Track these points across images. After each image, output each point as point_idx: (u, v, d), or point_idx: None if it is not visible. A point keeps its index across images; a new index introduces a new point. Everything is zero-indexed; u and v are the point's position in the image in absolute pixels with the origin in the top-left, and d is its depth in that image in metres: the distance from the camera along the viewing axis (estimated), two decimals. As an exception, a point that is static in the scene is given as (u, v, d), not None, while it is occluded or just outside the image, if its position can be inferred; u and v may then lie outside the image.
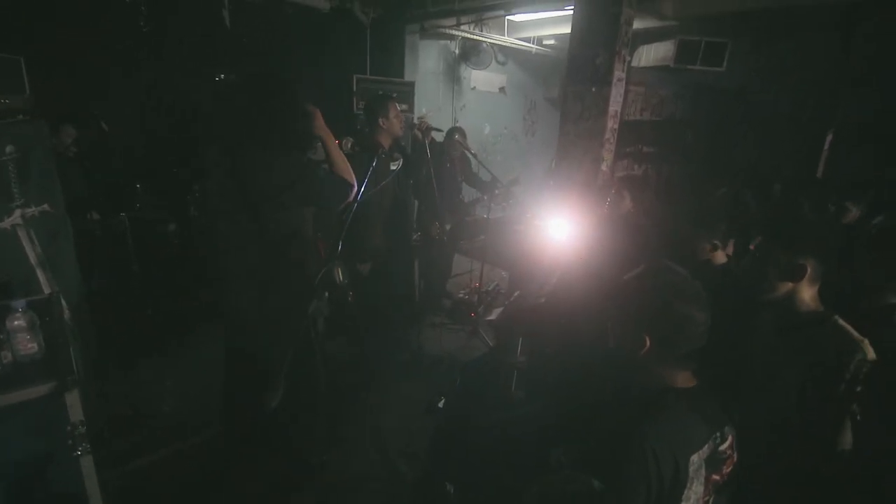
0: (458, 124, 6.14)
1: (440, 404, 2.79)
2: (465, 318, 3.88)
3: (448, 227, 3.86)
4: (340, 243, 1.54)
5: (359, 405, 2.83)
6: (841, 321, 1.38)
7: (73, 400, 1.28)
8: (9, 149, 1.98)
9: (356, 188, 1.71)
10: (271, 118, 1.66)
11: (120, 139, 3.34)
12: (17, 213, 2.01)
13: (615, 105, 4.05)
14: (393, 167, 2.60)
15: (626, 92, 4.30)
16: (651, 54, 5.12)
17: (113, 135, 3.17)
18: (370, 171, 1.62)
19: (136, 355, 3.01)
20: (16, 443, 1.24)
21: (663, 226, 2.89)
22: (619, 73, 3.99)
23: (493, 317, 3.91)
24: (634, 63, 5.08)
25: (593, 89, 4.02)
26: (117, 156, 3.31)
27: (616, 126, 4.14)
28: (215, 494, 2.09)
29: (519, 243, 4.21)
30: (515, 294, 3.99)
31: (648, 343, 1.03)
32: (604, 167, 4.08)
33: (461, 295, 4.28)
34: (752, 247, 1.58)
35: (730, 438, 1.03)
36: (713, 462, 1.00)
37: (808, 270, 1.38)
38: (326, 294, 1.63)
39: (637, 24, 4.26)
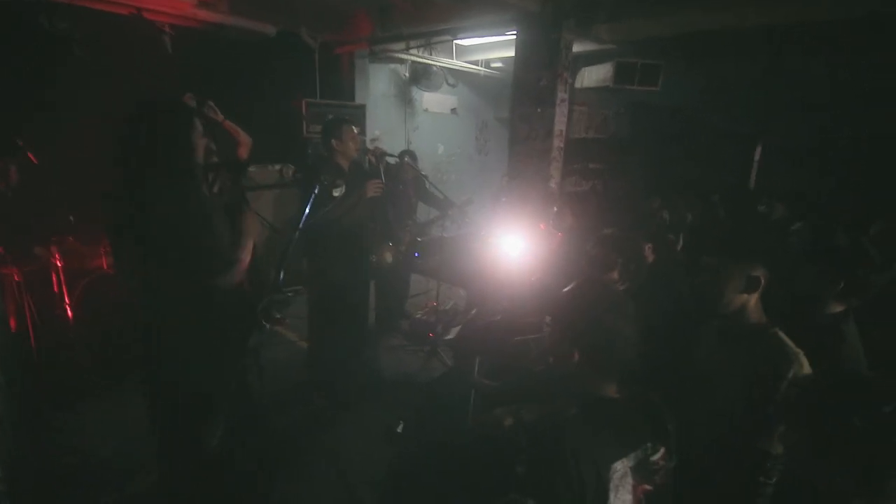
0: (410, 146, 6.21)
1: (399, 429, 2.75)
2: (423, 338, 3.87)
3: (402, 248, 3.86)
4: (282, 273, 1.51)
5: (316, 435, 2.75)
6: (780, 333, 1.46)
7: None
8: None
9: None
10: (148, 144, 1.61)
11: (50, 171, 3.17)
12: (-71, 253, 1.86)
13: (560, 124, 4.22)
14: (336, 193, 2.60)
15: (571, 112, 4.49)
16: (593, 76, 5.37)
17: (42, 167, 3.00)
18: (312, 199, 1.60)
19: (73, 397, 2.81)
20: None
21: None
22: (561, 94, 4.16)
23: (451, 336, 3.91)
24: (578, 84, 5.31)
25: (538, 110, 4.18)
26: (47, 187, 3.13)
27: (562, 144, 4.30)
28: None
29: (474, 261, 4.26)
30: (472, 312, 4.02)
31: (577, 356, 1.06)
32: (552, 184, 4.22)
33: (419, 315, 4.26)
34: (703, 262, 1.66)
35: (662, 450, 1.06)
36: (642, 471, 1.02)
37: (762, 282, 1.46)
38: (267, 326, 1.58)
39: (577, 48, 4.48)
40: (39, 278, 2.82)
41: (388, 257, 3.80)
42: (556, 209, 3.17)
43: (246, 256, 1.71)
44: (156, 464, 2.04)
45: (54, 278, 2.93)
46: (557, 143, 4.18)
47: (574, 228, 3.09)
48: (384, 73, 6.08)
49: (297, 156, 4.78)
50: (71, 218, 3.04)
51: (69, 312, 2.91)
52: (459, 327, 3.94)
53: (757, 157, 5.83)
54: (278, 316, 4.11)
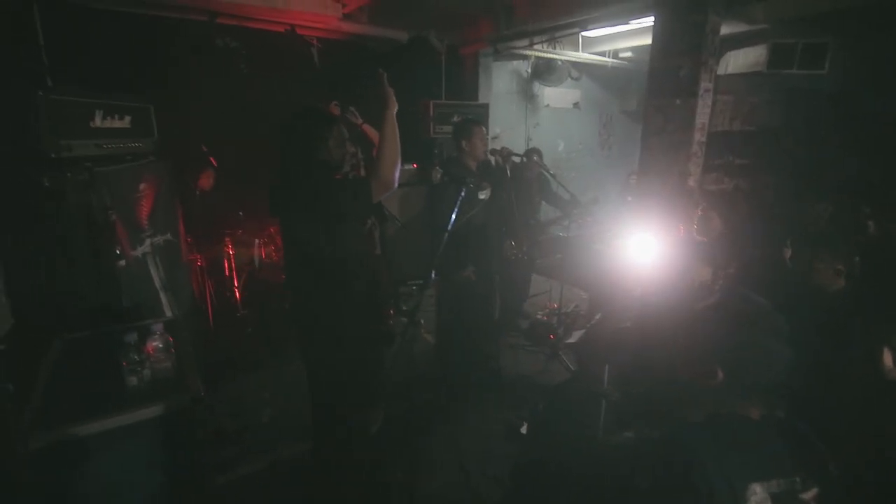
0: (530, 143, 6.13)
1: (522, 429, 2.76)
2: (543, 340, 3.81)
3: (524, 247, 3.84)
4: (433, 273, 1.60)
5: (440, 427, 2.87)
6: None
7: (201, 413, 1.42)
8: (141, 186, 2.25)
9: (390, 188, 1.77)
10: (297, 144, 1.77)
11: (224, 172, 3.70)
12: (147, 241, 2.28)
13: (702, 117, 3.85)
14: (482, 196, 2.65)
15: (714, 101, 4.07)
16: (740, 60, 4.82)
17: (218, 169, 3.52)
18: (459, 202, 1.66)
19: (237, 369, 3.25)
20: (151, 453, 1.40)
21: (763, 248, 2.69)
22: (705, 83, 3.79)
23: (573, 340, 3.81)
24: (721, 70, 4.81)
25: (678, 101, 3.85)
26: (223, 188, 3.66)
27: (703, 139, 3.92)
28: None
29: (599, 262, 4.09)
30: (597, 316, 3.86)
31: (721, 375, 0.98)
32: (691, 182, 3.87)
33: (539, 316, 4.21)
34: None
35: (814, 490, 0.93)
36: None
37: None
38: (402, 319, 1.68)
39: (724, 30, 4.05)
40: (217, 265, 3.30)
41: (509, 256, 3.80)
42: (700, 212, 2.90)
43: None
44: (307, 434, 2.28)
45: (226, 265, 3.42)
46: (698, 136, 3.83)
47: (722, 234, 2.81)
48: (506, 71, 6.08)
49: (424, 156, 4.98)
50: (240, 213, 3.50)
51: (237, 294, 3.37)
52: (583, 331, 3.82)
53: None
54: (405, 308, 4.35)
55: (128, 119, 2.27)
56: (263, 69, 4.36)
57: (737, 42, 4.71)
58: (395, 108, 1.81)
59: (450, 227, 1.62)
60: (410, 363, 3.39)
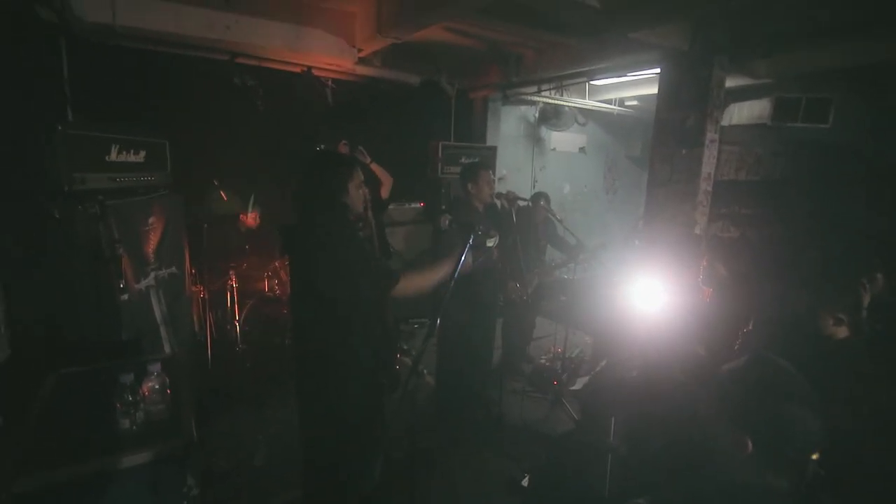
0: (536, 184, 6.20)
1: (524, 482, 2.65)
2: (546, 385, 3.73)
3: (529, 290, 3.81)
4: (438, 321, 1.57)
5: (440, 473, 2.76)
6: None
7: (194, 459, 1.37)
8: (150, 219, 2.27)
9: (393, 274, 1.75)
10: (321, 189, 1.76)
11: (234, 206, 3.74)
12: (152, 275, 2.27)
13: (708, 167, 3.90)
14: (489, 244, 2.66)
15: (720, 151, 4.13)
16: (745, 112, 4.92)
17: (229, 203, 3.56)
18: (468, 248, 1.65)
19: (233, 406, 3.18)
20: (140, 498, 1.34)
21: (768, 295, 2.65)
22: (711, 134, 3.86)
23: (577, 386, 3.72)
24: (726, 121, 4.89)
25: (683, 151, 3.91)
26: (232, 222, 3.69)
27: (709, 188, 3.96)
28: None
29: (605, 307, 4.04)
30: (602, 363, 3.79)
31: (751, 447, 0.93)
32: (697, 230, 3.88)
33: (542, 360, 4.13)
34: None
35: None
36: None
37: None
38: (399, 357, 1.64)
39: (729, 83, 4.15)
40: (219, 297, 3.28)
41: (514, 298, 3.78)
42: (706, 261, 2.89)
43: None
44: (299, 480, 2.19)
45: (228, 297, 3.40)
46: (705, 186, 3.86)
47: (727, 283, 2.78)
48: (514, 115, 6.22)
49: (430, 196, 5.03)
50: (246, 247, 3.51)
51: (237, 328, 3.34)
52: (587, 378, 3.74)
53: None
54: (405, 347, 4.28)
55: (143, 154, 2.31)
56: (278, 107, 4.48)
57: (741, 94, 4.81)
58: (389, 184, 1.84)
59: (456, 274, 1.61)
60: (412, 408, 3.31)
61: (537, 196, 4.00)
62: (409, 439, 1.71)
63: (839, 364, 1.75)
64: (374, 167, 3.59)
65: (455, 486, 2.68)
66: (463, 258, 1.63)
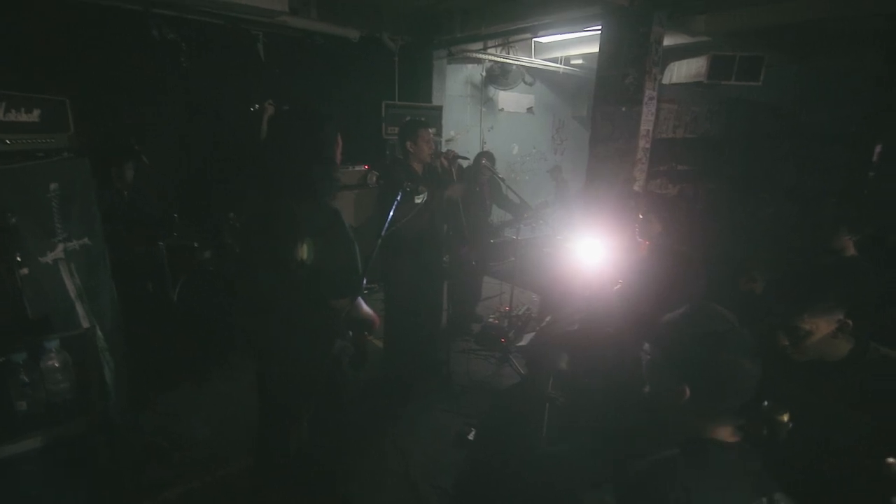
0: (486, 146, 6.15)
1: (470, 436, 2.72)
2: (495, 343, 3.80)
3: (475, 251, 3.82)
4: (364, 279, 1.52)
5: (385, 433, 2.79)
6: None
7: (101, 441, 1.29)
8: (52, 186, 2.06)
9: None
10: (313, 153, 1.65)
11: (157, 171, 3.48)
12: (60, 247, 2.08)
13: (647, 124, 3.97)
14: (417, 200, 2.60)
15: (658, 109, 4.21)
16: (683, 70, 5.01)
17: (151, 167, 3.30)
18: (395, 205, 1.60)
19: (172, 384, 3.06)
20: (50, 484, 1.25)
21: (701, 249, 2.76)
22: (649, 91, 3.91)
23: (524, 343, 3.82)
24: (666, 80, 4.98)
25: (623, 109, 3.95)
26: (155, 187, 3.44)
27: (648, 145, 4.04)
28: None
29: (550, 266, 4.12)
30: (547, 319, 3.89)
31: (688, 393, 0.96)
32: (636, 187, 3.98)
33: (491, 319, 4.20)
34: None
35: None
36: None
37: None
38: (350, 332, 1.60)
39: (668, 41, 4.19)
40: (149, 269, 3.08)
41: (463, 257, 3.78)
42: (641, 215, 2.96)
43: None
44: (244, 452, 2.14)
45: (158, 270, 3.19)
46: (643, 143, 3.94)
47: (662, 236, 2.88)
48: (461, 74, 6.07)
49: (375, 157, 4.88)
50: (175, 215, 3.29)
51: (173, 301, 3.17)
52: (533, 334, 3.84)
53: (875, 159, 5.15)
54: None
55: (37, 112, 2.07)
56: (204, 63, 4.14)
57: (681, 53, 4.88)
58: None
59: (383, 232, 1.56)
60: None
61: (480, 155, 3.96)
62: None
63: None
64: None
65: (404, 444, 2.71)
66: (391, 214, 1.58)
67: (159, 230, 3.22)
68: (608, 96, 4.04)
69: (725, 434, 0.97)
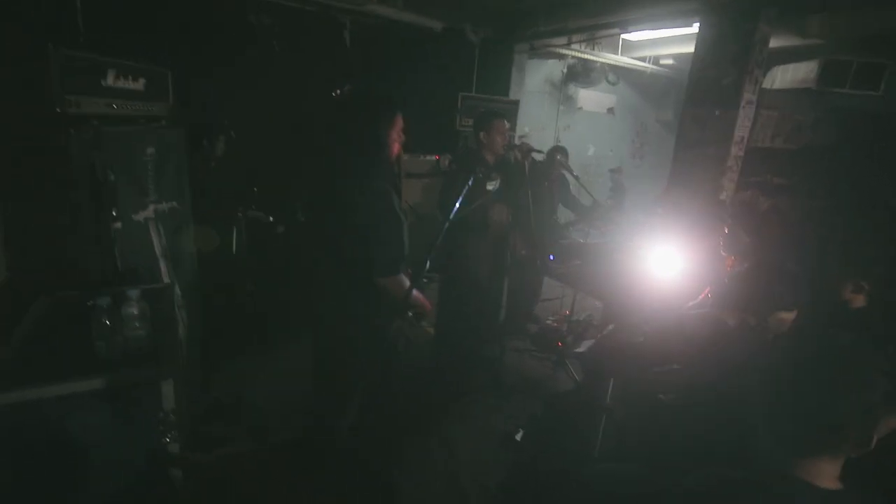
0: (560, 144, 5.97)
1: (518, 437, 2.64)
2: (551, 346, 3.68)
3: (540, 249, 3.70)
4: (428, 262, 1.50)
5: (434, 427, 2.77)
6: None
7: (168, 388, 1.36)
8: (150, 150, 2.21)
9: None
10: (360, 133, 1.66)
11: (244, 147, 3.67)
12: (151, 207, 2.24)
13: (742, 130, 3.65)
14: (489, 187, 2.55)
15: (756, 115, 3.86)
16: (788, 75, 4.58)
17: (238, 142, 3.50)
18: (466, 191, 1.56)
19: (241, 346, 3.22)
20: (115, 424, 1.34)
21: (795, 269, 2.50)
22: (748, 95, 3.59)
23: (582, 349, 3.66)
24: (767, 84, 4.56)
25: (717, 112, 3.66)
26: (241, 162, 3.64)
27: (741, 153, 3.72)
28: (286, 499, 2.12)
29: (618, 273, 3.92)
30: (609, 328, 3.70)
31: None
32: (723, 197, 3.68)
33: (549, 321, 4.07)
34: None
35: None
36: None
37: None
38: (410, 314, 1.59)
39: (774, 43, 3.83)
40: (228, 238, 3.26)
41: (525, 255, 3.67)
42: (727, 228, 2.73)
43: None
44: (299, 423, 2.21)
45: (235, 240, 3.38)
46: (736, 150, 3.63)
47: (749, 252, 2.64)
48: (541, 69, 5.92)
49: (449, 148, 4.88)
50: (255, 189, 3.47)
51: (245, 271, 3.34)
52: (593, 342, 3.67)
53: None
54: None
55: (142, 81, 2.23)
56: (294, 48, 4.32)
57: (786, 57, 4.46)
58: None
59: (452, 215, 1.52)
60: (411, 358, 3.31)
61: (554, 150, 3.81)
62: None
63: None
64: None
65: (449, 438, 2.68)
66: (461, 199, 1.54)
67: (240, 202, 3.41)
68: (701, 98, 3.76)
69: (823, 476, 0.82)
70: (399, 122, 1.74)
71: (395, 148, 1.74)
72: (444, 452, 2.58)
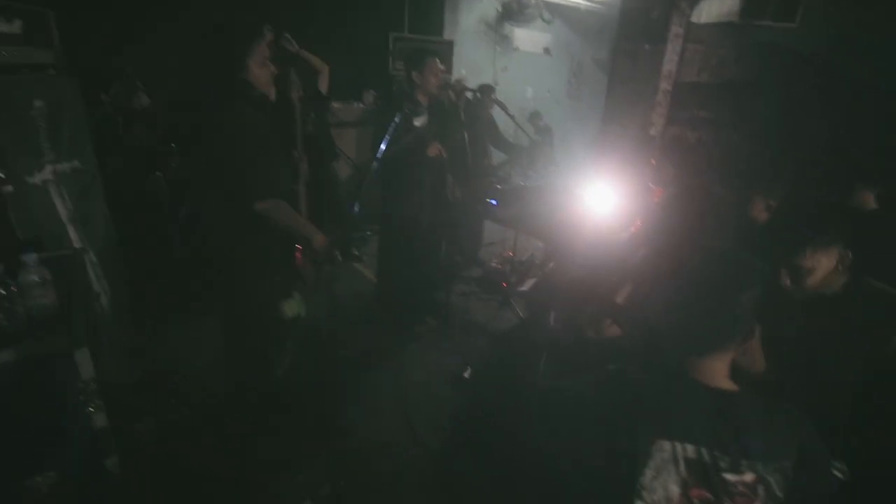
0: (498, 90, 5.87)
1: (466, 374, 2.74)
2: (496, 287, 3.77)
3: (478, 191, 3.70)
4: (357, 204, 1.45)
5: (384, 371, 2.81)
6: None
7: (83, 356, 1.27)
8: (37, 104, 1.97)
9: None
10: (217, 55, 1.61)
11: (156, 99, 3.34)
12: (49, 168, 2.02)
13: (670, 64, 3.73)
14: (417, 123, 2.46)
15: (684, 51, 3.93)
16: (714, 9, 4.64)
17: (149, 93, 3.18)
18: (393, 128, 1.49)
19: (169, 310, 3.07)
20: (27, 397, 1.25)
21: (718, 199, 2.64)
22: (676, 28, 3.65)
23: (525, 288, 3.78)
24: (695, 19, 4.63)
25: (646, 47, 3.70)
26: (154, 116, 3.32)
27: (669, 88, 3.82)
28: (236, 456, 2.10)
29: (558, 212, 4.01)
30: (550, 265, 3.83)
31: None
32: (652, 132, 3.79)
33: (493, 264, 4.15)
34: None
35: (750, 476, 0.85)
36: (705, 478, 0.84)
37: None
38: (340, 260, 1.55)
39: (700, -26, 3.86)
40: (146, 199, 3.03)
41: (461, 197, 3.66)
42: (654, 161, 2.83)
43: None
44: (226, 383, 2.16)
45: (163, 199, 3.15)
46: (664, 85, 3.72)
47: (676, 184, 2.75)
48: (476, 7, 5.71)
49: (383, 95, 4.69)
50: (173, 145, 3.20)
51: (170, 233, 3.14)
52: (535, 280, 3.80)
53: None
54: (356, 252, 4.18)
55: (18, 24, 1.94)
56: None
57: (712, -12, 4.51)
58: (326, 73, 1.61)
59: (379, 154, 1.46)
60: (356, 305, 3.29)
61: (485, 88, 3.74)
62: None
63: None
64: (304, 55, 3.24)
65: (398, 381, 2.73)
66: (388, 137, 1.48)
67: (156, 161, 3.15)
68: (631, 32, 3.78)
69: (716, 375, 0.91)
70: (262, 51, 1.64)
71: (259, 74, 1.64)
72: (395, 395, 2.64)
